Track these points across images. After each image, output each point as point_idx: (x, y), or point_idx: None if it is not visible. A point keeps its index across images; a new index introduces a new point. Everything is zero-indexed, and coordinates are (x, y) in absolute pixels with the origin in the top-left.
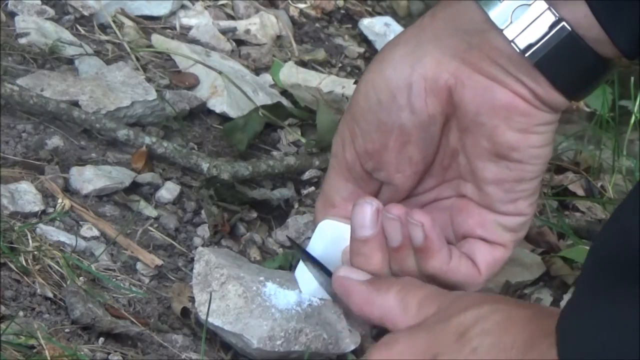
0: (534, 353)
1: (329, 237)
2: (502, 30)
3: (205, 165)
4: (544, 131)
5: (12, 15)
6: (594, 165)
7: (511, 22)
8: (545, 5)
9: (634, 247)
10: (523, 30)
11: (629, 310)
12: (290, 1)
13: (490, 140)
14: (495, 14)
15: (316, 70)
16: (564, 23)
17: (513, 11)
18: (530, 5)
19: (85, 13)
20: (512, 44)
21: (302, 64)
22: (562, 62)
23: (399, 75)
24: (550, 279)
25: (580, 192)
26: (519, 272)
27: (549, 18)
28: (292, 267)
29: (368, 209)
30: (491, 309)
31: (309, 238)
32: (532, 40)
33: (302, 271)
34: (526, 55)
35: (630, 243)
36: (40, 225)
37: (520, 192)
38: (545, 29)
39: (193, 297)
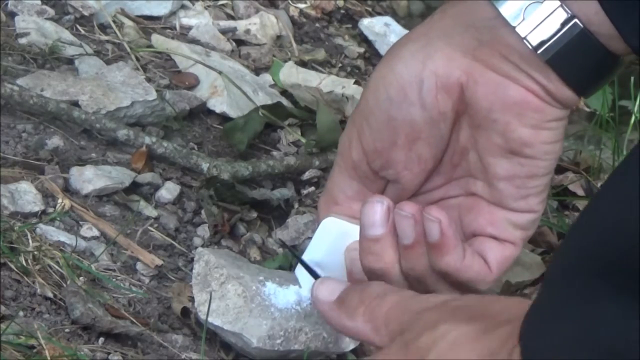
0: None
1: (332, 234)
2: (514, 27)
3: (205, 165)
4: (555, 127)
5: (12, 15)
6: (594, 165)
7: (523, 19)
8: (558, 3)
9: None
10: (535, 27)
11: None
12: (290, 1)
13: (502, 137)
14: (507, 11)
15: (316, 70)
16: (576, 20)
17: (525, 8)
18: (542, 2)
19: (85, 13)
20: (524, 41)
21: (302, 64)
22: (574, 59)
23: (410, 71)
24: None
25: (580, 192)
26: (519, 272)
27: (561, 15)
28: (292, 267)
29: (378, 208)
30: (445, 329)
31: (310, 238)
32: (545, 37)
33: (303, 270)
34: (538, 52)
35: (620, 239)
36: (40, 225)
37: (532, 188)
38: (558, 26)
39: (193, 297)
